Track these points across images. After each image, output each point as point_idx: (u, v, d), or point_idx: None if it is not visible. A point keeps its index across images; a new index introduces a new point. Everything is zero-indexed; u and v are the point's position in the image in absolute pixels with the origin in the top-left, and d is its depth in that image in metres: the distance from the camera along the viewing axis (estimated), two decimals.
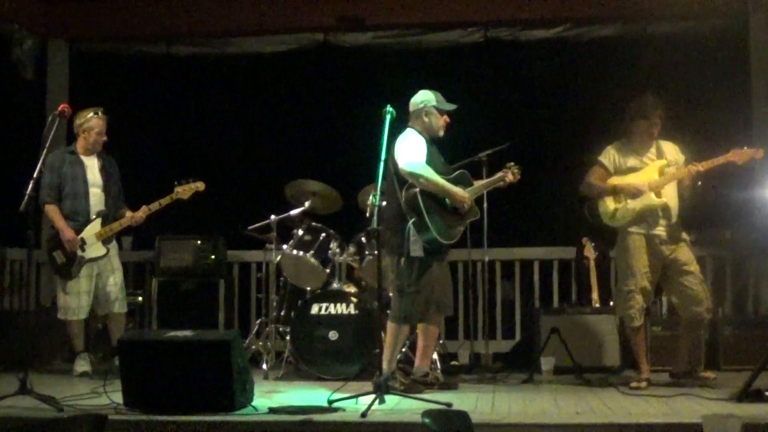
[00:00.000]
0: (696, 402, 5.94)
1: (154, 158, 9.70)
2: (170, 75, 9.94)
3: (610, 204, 6.95)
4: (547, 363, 7.58)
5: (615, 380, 7.19)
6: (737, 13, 8.76)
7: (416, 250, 6.58)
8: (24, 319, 7.13)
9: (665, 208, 6.83)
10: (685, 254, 6.84)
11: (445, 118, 6.88)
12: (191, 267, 8.90)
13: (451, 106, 6.88)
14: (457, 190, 6.71)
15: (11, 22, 9.22)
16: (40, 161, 6.35)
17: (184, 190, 7.64)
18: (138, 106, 9.88)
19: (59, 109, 6.68)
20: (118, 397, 5.61)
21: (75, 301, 7.54)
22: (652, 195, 6.81)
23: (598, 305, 8.08)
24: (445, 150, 7.11)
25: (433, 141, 6.87)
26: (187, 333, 5.67)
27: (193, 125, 9.92)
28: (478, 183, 7.07)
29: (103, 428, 5.03)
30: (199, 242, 8.94)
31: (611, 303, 8.28)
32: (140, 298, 8.90)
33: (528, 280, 9.28)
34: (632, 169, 6.94)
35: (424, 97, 6.87)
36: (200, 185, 7.69)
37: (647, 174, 6.88)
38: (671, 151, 6.98)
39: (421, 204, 6.51)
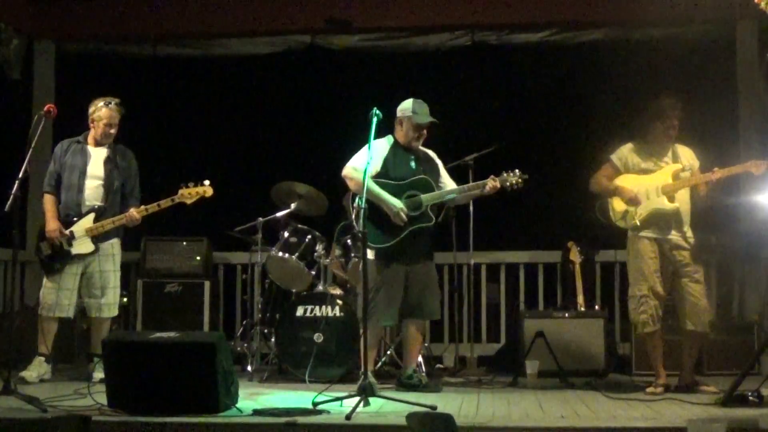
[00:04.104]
0: (681, 406, 5.96)
1: (139, 159, 9.69)
2: (157, 76, 9.89)
3: (621, 205, 6.86)
4: (531, 366, 7.60)
5: (600, 384, 7.20)
6: (724, 19, 8.78)
7: (368, 252, 6.60)
8: (8, 320, 7.06)
9: (677, 213, 6.73)
10: (694, 262, 6.74)
11: (423, 132, 6.92)
12: (177, 268, 8.90)
13: (426, 121, 6.89)
14: (392, 202, 6.70)
15: None
16: (26, 161, 6.34)
17: (189, 194, 7.22)
18: (124, 107, 9.82)
19: (45, 109, 6.67)
20: (102, 398, 5.60)
21: (52, 297, 7.24)
22: (664, 199, 6.71)
23: (583, 309, 8.09)
24: None
25: (408, 148, 6.92)
26: (172, 334, 5.68)
27: (179, 127, 9.88)
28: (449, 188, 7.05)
29: (87, 429, 5.03)
30: (184, 243, 8.95)
31: (596, 307, 8.30)
32: (125, 299, 8.86)
33: (513, 284, 9.30)
34: (646, 171, 6.84)
35: (404, 106, 6.94)
36: (208, 191, 7.24)
37: (661, 177, 6.77)
38: (687, 156, 6.88)
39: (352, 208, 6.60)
